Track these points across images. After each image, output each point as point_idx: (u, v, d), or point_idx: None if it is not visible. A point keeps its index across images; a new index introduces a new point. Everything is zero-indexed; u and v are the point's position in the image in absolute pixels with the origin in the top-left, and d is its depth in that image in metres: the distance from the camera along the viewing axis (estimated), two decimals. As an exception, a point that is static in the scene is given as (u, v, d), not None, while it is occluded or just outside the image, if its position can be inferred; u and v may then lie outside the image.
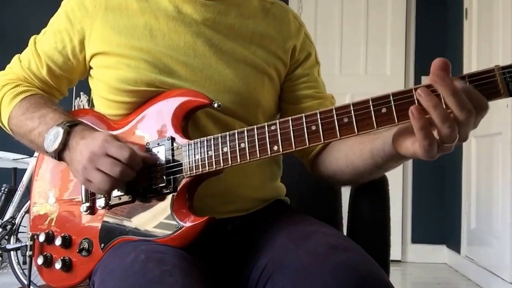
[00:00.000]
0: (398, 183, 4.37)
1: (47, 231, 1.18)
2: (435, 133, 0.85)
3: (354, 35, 4.57)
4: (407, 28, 4.54)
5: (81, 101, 3.46)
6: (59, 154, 1.09)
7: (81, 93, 3.46)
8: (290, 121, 0.96)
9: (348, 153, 1.11)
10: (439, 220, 4.44)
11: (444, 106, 0.83)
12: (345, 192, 1.44)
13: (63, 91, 1.29)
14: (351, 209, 1.35)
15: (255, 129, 0.99)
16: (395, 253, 4.26)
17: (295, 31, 1.27)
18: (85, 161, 1.03)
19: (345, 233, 1.37)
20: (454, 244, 4.23)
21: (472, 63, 3.91)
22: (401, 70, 4.52)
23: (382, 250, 1.25)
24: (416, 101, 0.86)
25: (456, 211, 4.16)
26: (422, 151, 0.86)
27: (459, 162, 4.09)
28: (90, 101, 3.29)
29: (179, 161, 1.05)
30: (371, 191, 1.29)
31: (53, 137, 1.08)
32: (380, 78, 4.49)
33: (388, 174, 1.35)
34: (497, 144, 3.47)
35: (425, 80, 4.70)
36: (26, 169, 3.33)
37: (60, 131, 1.08)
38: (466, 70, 3.98)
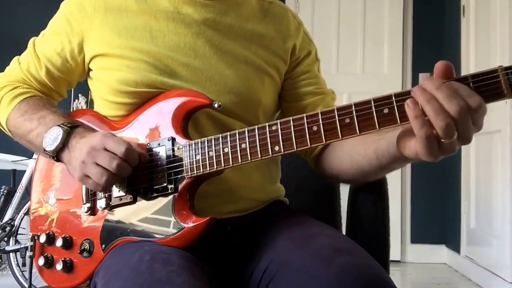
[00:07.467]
0: (397, 183, 4.37)
1: (47, 231, 1.18)
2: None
3: (351, 33, 4.57)
4: (404, 26, 4.55)
5: (79, 103, 3.46)
6: (57, 154, 1.09)
7: (79, 95, 3.46)
8: (292, 122, 0.95)
9: (352, 153, 1.10)
10: (438, 219, 4.43)
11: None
12: (344, 193, 1.43)
13: (62, 93, 1.30)
14: (350, 209, 1.34)
15: (256, 129, 0.99)
16: (394, 253, 4.25)
17: (294, 30, 1.28)
18: (84, 156, 1.03)
19: (344, 233, 1.37)
20: (453, 244, 4.23)
21: (470, 60, 3.90)
22: (399, 68, 4.52)
23: (381, 250, 1.25)
24: None
25: (455, 210, 4.15)
26: (422, 149, 0.83)
27: (458, 161, 4.08)
28: (88, 103, 3.31)
29: (180, 162, 1.05)
30: (370, 191, 1.29)
31: (53, 137, 1.08)
32: (377, 77, 4.49)
33: (387, 174, 1.35)
34: (496, 142, 3.46)
35: (422, 77, 4.71)
36: (25, 171, 3.33)
37: (60, 131, 1.08)
38: (464, 68, 3.98)
